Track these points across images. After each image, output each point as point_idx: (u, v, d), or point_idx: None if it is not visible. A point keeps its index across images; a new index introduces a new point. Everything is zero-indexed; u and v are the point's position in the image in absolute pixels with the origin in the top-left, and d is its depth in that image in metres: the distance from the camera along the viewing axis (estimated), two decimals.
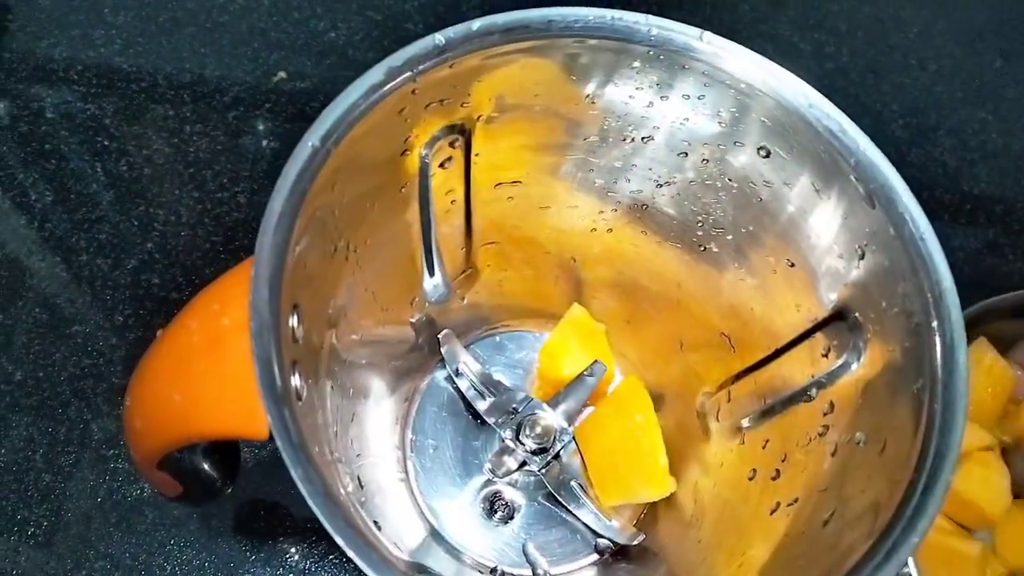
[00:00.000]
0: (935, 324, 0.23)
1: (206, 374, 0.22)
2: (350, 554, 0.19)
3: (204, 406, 0.22)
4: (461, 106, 0.28)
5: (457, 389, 0.38)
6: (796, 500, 0.28)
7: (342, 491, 0.25)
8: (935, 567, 0.35)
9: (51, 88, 0.49)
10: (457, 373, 0.37)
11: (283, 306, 0.22)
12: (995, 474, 0.38)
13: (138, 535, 0.39)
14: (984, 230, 0.50)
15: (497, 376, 0.38)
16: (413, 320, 0.36)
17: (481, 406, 0.37)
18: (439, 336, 0.38)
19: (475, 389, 0.37)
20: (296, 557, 0.39)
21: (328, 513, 0.19)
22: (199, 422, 0.22)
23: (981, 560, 0.36)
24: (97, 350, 0.42)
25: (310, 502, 0.19)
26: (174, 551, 0.39)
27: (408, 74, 0.25)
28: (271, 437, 0.21)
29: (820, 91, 0.26)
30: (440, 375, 0.39)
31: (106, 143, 0.48)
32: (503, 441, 0.35)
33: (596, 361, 0.35)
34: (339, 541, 0.19)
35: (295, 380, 0.22)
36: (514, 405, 0.36)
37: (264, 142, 0.48)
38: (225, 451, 0.31)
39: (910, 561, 0.34)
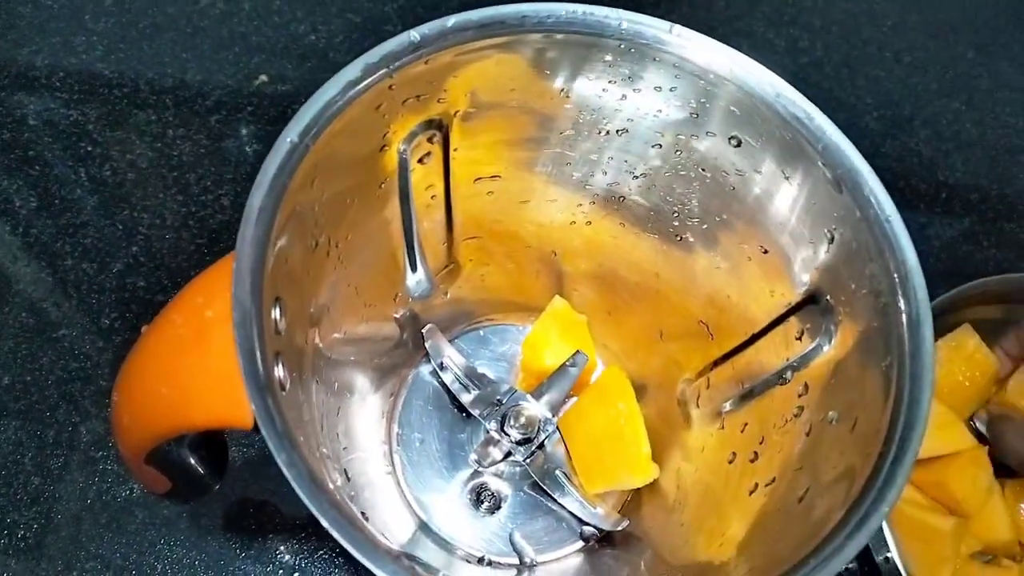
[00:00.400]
0: (902, 303, 0.24)
1: (192, 366, 0.23)
2: (336, 535, 0.19)
3: (190, 397, 0.23)
4: (438, 102, 0.28)
5: (442, 383, 0.38)
6: (773, 480, 0.29)
7: (331, 485, 0.25)
8: (912, 542, 0.36)
9: (33, 95, 0.49)
10: (442, 367, 0.38)
11: (265, 298, 0.22)
12: (982, 472, 0.40)
13: (128, 535, 0.39)
14: (959, 219, 0.51)
15: (481, 369, 0.38)
16: (397, 316, 0.36)
17: (466, 399, 0.37)
18: (423, 331, 0.38)
19: (460, 383, 0.38)
20: (286, 555, 0.39)
21: (313, 497, 0.20)
22: (186, 413, 0.23)
23: (955, 535, 0.37)
24: (84, 353, 0.43)
25: (295, 486, 0.20)
26: (164, 550, 0.39)
27: (384, 70, 0.25)
28: (256, 427, 0.22)
29: (795, 86, 0.27)
30: (425, 369, 0.39)
31: (89, 148, 0.48)
32: (488, 432, 0.36)
33: (578, 352, 0.36)
34: (324, 523, 0.19)
35: (278, 371, 0.23)
36: (498, 397, 0.37)
37: (247, 145, 0.49)
38: (213, 447, 0.31)
39: (889, 539, 0.35)
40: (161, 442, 0.25)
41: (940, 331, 0.41)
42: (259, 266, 0.22)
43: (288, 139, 0.23)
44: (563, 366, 0.36)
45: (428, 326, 0.38)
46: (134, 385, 0.25)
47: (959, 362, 0.40)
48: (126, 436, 0.26)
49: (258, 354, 0.21)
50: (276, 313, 0.23)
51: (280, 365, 0.23)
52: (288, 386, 0.24)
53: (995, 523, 0.39)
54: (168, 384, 0.23)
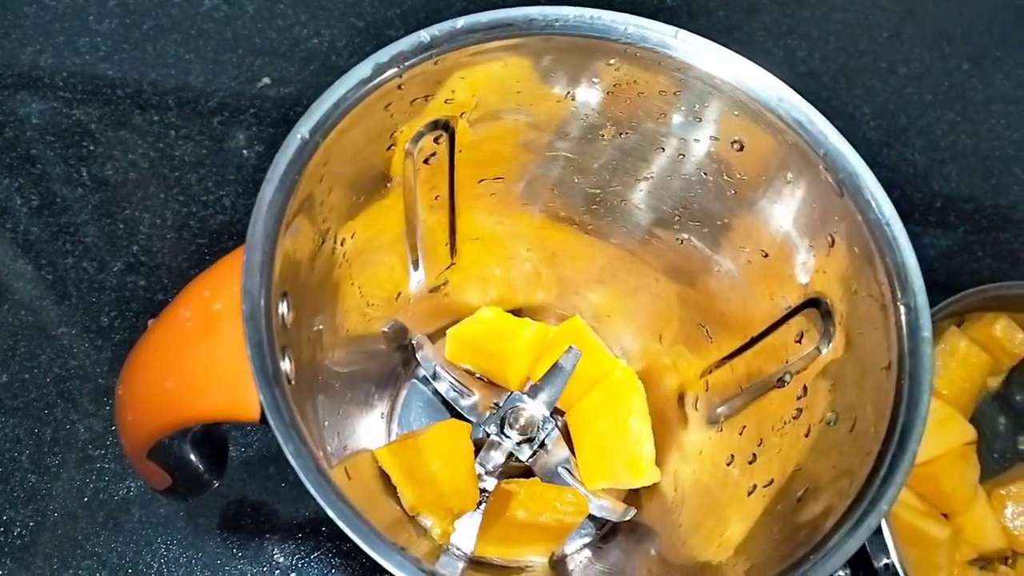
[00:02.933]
0: (901, 304, 0.25)
1: (199, 358, 0.23)
2: (342, 526, 0.20)
3: (197, 390, 0.23)
4: (445, 103, 0.29)
5: (435, 391, 0.39)
6: (772, 481, 0.29)
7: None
8: (908, 548, 0.36)
9: (36, 95, 0.49)
10: (435, 376, 0.38)
11: (274, 292, 0.23)
12: (970, 468, 0.40)
13: (125, 534, 0.39)
14: (954, 229, 0.52)
15: (477, 372, 0.39)
16: (385, 330, 0.36)
17: (463, 405, 0.37)
18: (412, 342, 0.38)
19: (455, 390, 0.38)
20: (282, 555, 0.39)
21: (320, 488, 0.20)
22: (192, 406, 0.23)
23: (951, 543, 0.37)
24: (83, 351, 0.43)
25: (302, 476, 0.20)
26: (161, 549, 0.39)
27: (395, 69, 0.26)
28: (262, 419, 0.22)
29: None
30: (422, 372, 0.39)
31: (91, 148, 0.48)
32: (489, 436, 0.36)
33: (571, 347, 0.36)
34: (331, 514, 0.20)
35: (285, 365, 0.23)
36: (495, 400, 0.37)
37: (248, 147, 0.49)
38: (214, 444, 0.31)
39: (889, 544, 0.35)
40: (165, 435, 0.25)
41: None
42: (268, 260, 0.22)
43: (299, 135, 0.24)
44: (556, 363, 0.36)
45: (416, 337, 0.38)
46: (140, 378, 0.25)
47: (955, 367, 0.41)
48: (130, 430, 0.26)
49: (266, 347, 0.21)
50: (283, 308, 0.24)
51: (287, 359, 0.23)
52: (294, 380, 0.24)
53: (986, 531, 0.40)
54: (175, 377, 0.23)
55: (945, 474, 0.39)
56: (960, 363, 0.41)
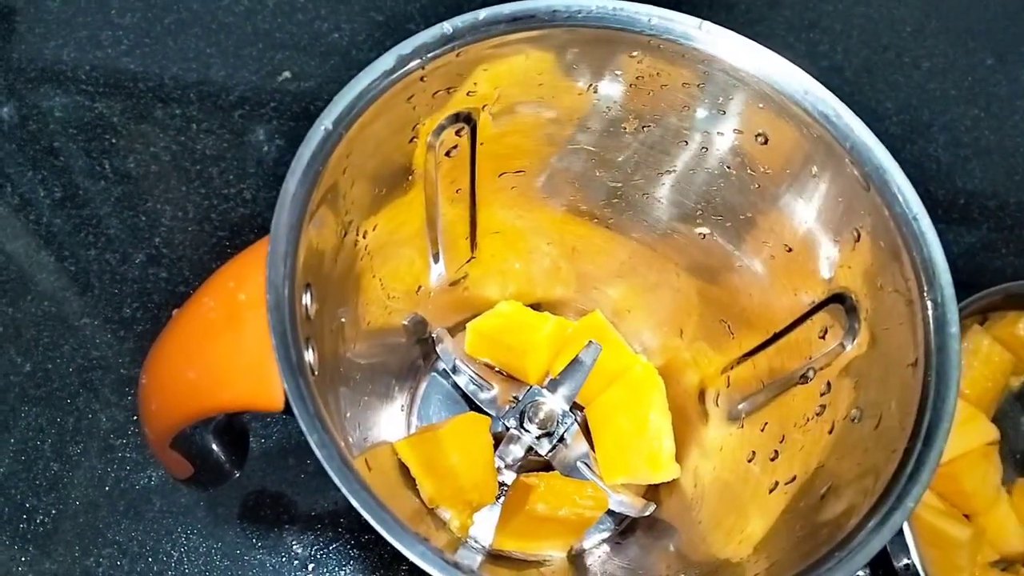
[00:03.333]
0: (928, 300, 0.24)
1: (223, 348, 0.23)
2: (365, 515, 0.20)
3: (221, 379, 0.23)
4: (467, 95, 0.29)
5: (455, 384, 0.39)
6: (794, 478, 0.29)
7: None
8: (928, 548, 0.36)
9: (59, 88, 0.50)
10: (455, 370, 0.38)
11: (298, 283, 0.23)
12: (992, 468, 0.40)
13: (145, 522, 0.39)
14: (977, 226, 0.51)
15: (496, 366, 0.39)
16: (405, 323, 0.36)
17: (482, 399, 0.37)
18: (432, 335, 0.38)
19: (474, 383, 0.38)
20: (300, 546, 0.40)
21: (343, 477, 0.20)
22: (216, 395, 0.23)
23: (972, 545, 0.37)
24: (105, 342, 0.43)
25: (326, 466, 0.20)
26: (181, 538, 0.39)
27: (417, 61, 0.26)
28: (286, 409, 0.22)
29: None
30: (442, 366, 0.39)
31: (114, 141, 0.48)
32: (508, 431, 0.36)
33: (591, 342, 0.36)
34: (355, 503, 0.20)
35: (308, 355, 0.23)
36: (514, 394, 0.37)
37: (269, 140, 0.49)
38: (235, 434, 0.31)
39: (911, 544, 0.35)
40: (189, 424, 0.25)
41: None
42: (292, 251, 0.22)
43: (322, 126, 0.24)
44: (576, 358, 0.36)
45: (437, 330, 0.38)
46: (164, 367, 0.25)
47: (978, 366, 0.40)
48: (154, 419, 0.26)
49: (290, 337, 0.21)
50: (307, 299, 0.24)
51: (310, 350, 0.23)
52: (317, 371, 0.24)
53: (1008, 532, 0.39)
54: (199, 366, 0.23)
55: (967, 474, 0.39)
56: (983, 362, 0.41)
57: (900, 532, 0.34)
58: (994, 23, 0.58)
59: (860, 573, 0.23)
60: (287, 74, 0.51)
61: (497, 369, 0.39)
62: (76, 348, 0.43)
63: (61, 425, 0.41)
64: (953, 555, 0.37)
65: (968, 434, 0.40)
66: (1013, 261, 0.50)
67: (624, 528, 0.36)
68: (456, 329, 0.40)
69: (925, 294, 0.24)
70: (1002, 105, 0.55)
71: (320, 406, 0.21)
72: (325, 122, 0.24)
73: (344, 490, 0.20)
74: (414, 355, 0.39)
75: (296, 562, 0.39)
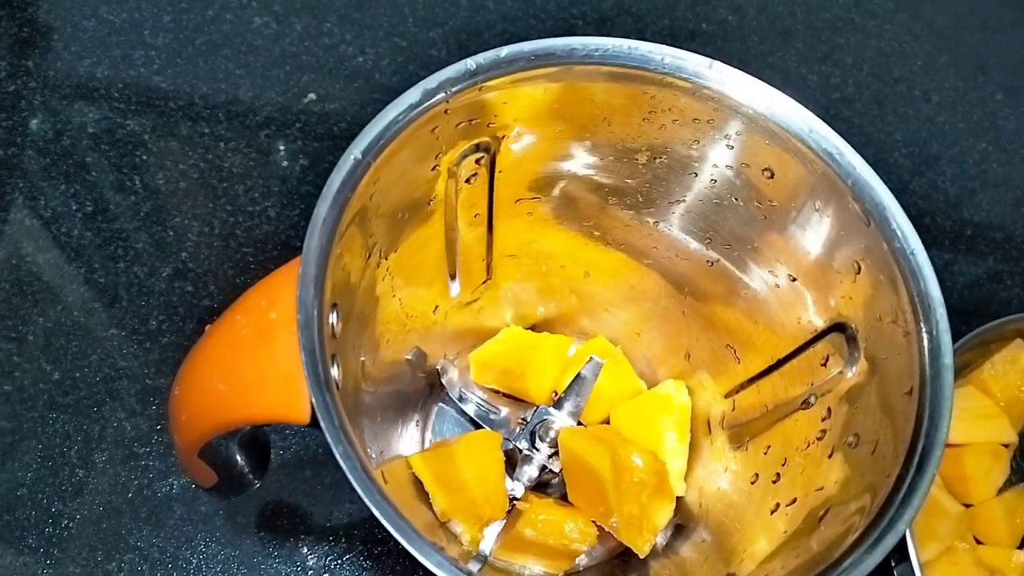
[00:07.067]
0: (924, 331, 0.25)
1: (254, 363, 0.24)
2: (386, 525, 0.21)
3: (251, 392, 0.24)
4: (488, 126, 0.30)
5: (463, 412, 0.40)
6: (795, 500, 0.30)
7: None
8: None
9: (93, 105, 0.51)
10: (461, 399, 0.39)
11: (325, 303, 0.24)
12: (998, 467, 0.41)
13: (167, 529, 0.40)
14: (984, 257, 0.52)
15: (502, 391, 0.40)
16: (409, 357, 0.37)
17: (492, 422, 0.38)
18: (437, 367, 0.39)
19: (482, 409, 0.39)
20: (314, 557, 0.41)
21: (367, 488, 0.21)
22: (246, 407, 0.24)
23: (959, 522, 0.39)
24: (131, 353, 0.44)
25: (350, 477, 0.21)
26: (200, 545, 0.40)
27: (442, 95, 0.27)
28: (312, 422, 0.23)
29: (826, 121, 0.28)
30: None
31: (144, 158, 0.50)
32: (521, 452, 0.36)
33: (592, 357, 0.37)
34: (377, 514, 0.21)
35: (334, 371, 0.24)
36: (523, 415, 0.38)
37: (293, 160, 0.51)
38: (258, 445, 0.33)
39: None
40: (217, 435, 0.27)
41: (961, 370, 0.42)
42: (322, 273, 0.24)
43: (352, 156, 0.25)
44: (578, 374, 0.37)
45: (440, 363, 0.39)
46: (196, 380, 0.26)
47: (1013, 375, 0.41)
48: (183, 429, 0.27)
49: (319, 354, 0.23)
50: (334, 318, 0.25)
51: (336, 366, 0.25)
52: (341, 386, 0.25)
53: (992, 530, 0.40)
54: (230, 380, 0.25)
55: (972, 459, 0.40)
56: (1020, 373, 0.41)
57: None
58: (1004, 58, 0.59)
59: None
60: (312, 96, 0.53)
61: (504, 393, 0.40)
62: (103, 358, 0.44)
63: (87, 432, 0.42)
64: (937, 523, 0.39)
65: (985, 427, 0.41)
66: (1018, 293, 0.51)
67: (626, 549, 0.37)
68: (464, 353, 0.41)
69: (921, 326, 0.25)
70: (1011, 139, 0.56)
71: (345, 420, 0.23)
72: (355, 151, 0.25)
73: (367, 500, 0.21)
74: (425, 381, 0.40)
75: (311, 572, 0.40)
